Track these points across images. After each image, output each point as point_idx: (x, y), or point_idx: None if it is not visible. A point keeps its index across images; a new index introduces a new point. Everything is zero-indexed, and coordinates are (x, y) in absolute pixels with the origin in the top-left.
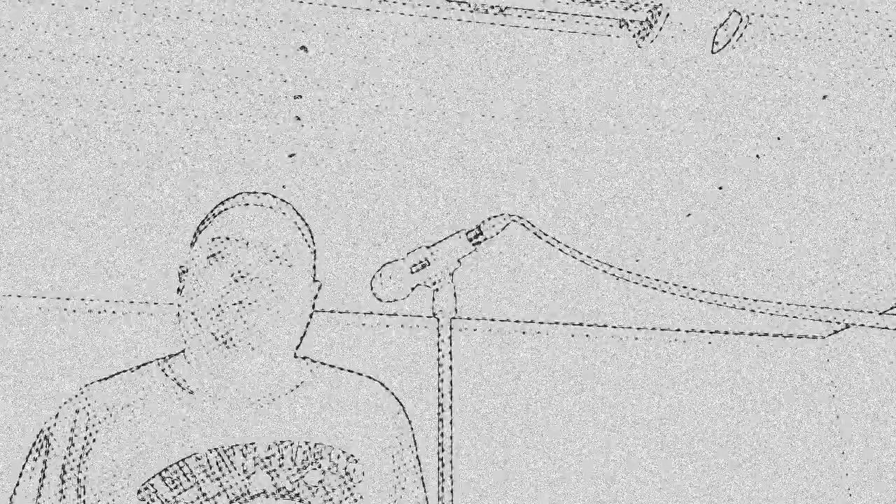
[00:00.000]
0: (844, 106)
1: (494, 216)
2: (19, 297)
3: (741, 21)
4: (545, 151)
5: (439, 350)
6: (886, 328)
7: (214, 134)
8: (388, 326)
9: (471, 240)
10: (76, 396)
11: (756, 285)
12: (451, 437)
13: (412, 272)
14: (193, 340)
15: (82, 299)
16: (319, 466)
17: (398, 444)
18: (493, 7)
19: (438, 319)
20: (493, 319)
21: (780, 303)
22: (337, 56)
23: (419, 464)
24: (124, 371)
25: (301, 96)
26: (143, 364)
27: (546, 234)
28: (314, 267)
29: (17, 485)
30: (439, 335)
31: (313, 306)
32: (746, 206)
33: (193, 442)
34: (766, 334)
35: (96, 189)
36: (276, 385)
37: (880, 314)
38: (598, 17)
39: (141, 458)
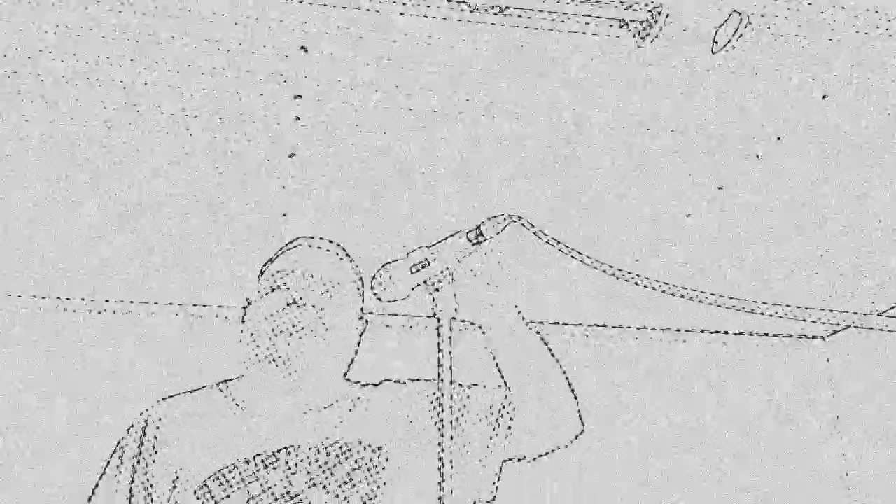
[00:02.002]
0: (844, 106)
1: (494, 216)
2: (19, 296)
3: (741, 21)
4: (545, 151)
5: (439, 350)
6: (885, 330)
7: (214, 133)
8: (388, 326)
9: (471, 240)
10: (146, 410)
11: (756, 285)
12: (451, 437)
13: (412, 272)
14: (250, 362)
15: (82, 299)
16: (348, 461)
17: (431, 407)
18: (493, 7)
19: (438, 319)
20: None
21: (777, 304)
22: (337, 56)
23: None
24: (188, 391)
25: (301, 96)
26: (204, 387)
27: (546, 234)
28: (361, 308)
29: (96, 485)
30: (439, 335)
31: (359, 343)
32: (746, 206)
33: (243, 448)
34: (766, 334)
35: (96, 189)
36: (321, 401)
37: (879, 314)
38: (598, 17)
39: (198, 464)
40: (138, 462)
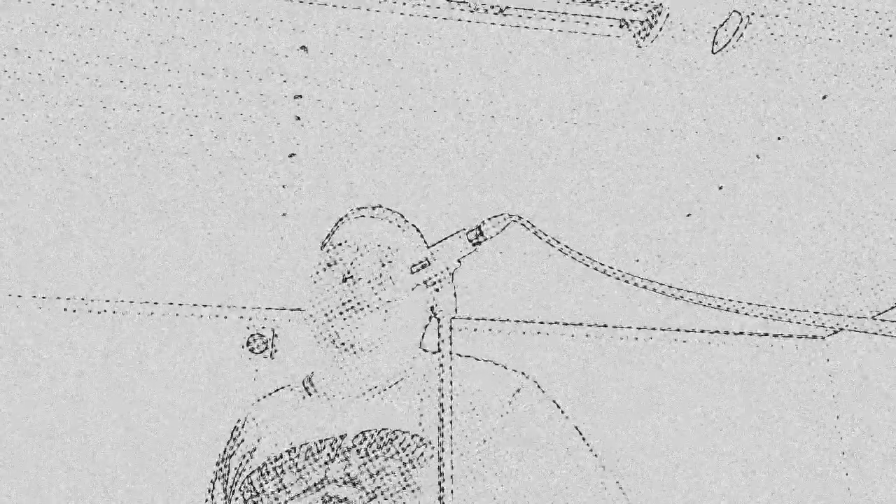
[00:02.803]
0: (844, 106)
1: (494, 216)
2: (19, 296)
3: (741, 21)
4: (545, 151)
5: (439, 350)
6: (883, 333)
7: (214, 134)
8: (432, 308)
9: (471, 240)
10: (248, 411)
11: (756, 285)
12: (451, 437)
13: (412, 272)
14: (318, 345)
15: (82, 299)
16: (386, 453)
17: (507, 424)
18: (493, 7)
19: (438, 319)
20: (493, 319)
21: (773, 307)
22: (337, 56)
23: (570, 434)
24: (280, 388)
25: (301, 96)
26: (292, 384)
27: (546, 234)
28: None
29: (208, 491)
30: (439, 335)
31: (433, 308)
32: (746, 206)
33: (296, 438)
34: (766, 334)
35: (96, 189)
36: (386, 381)
37: (879, 314)
38: (598, 17)
39: (254, 458)
40: (226, 464)
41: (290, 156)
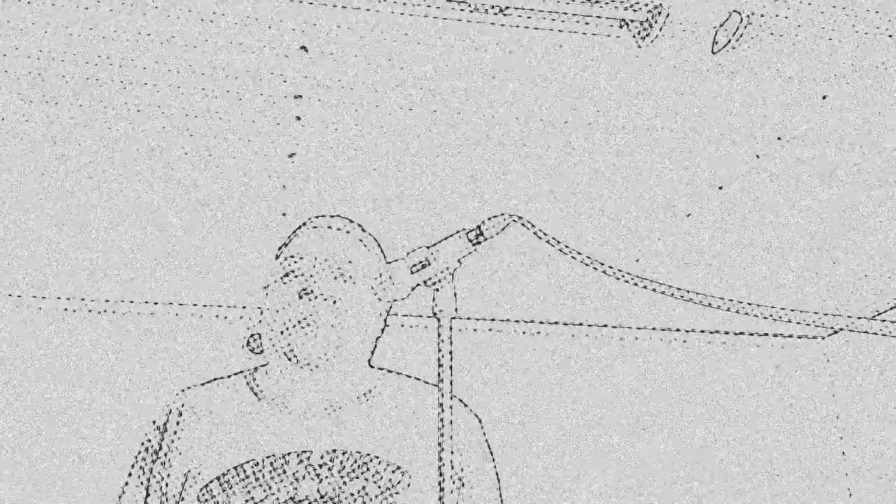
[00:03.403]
0: (844, 106)
1: (494, 216)
2: (19, 296)
3: (741, 21)
4: (545, 151)
5: (439, 350)
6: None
7: (215, 134)
8: (388, 326)
9: (471, 240)
10: (173, 401)
11: (756, 285)
12: (451, 437)
13: (412, 272)
14: (268, 353)
15: (82, 299)
16: (363, 475)
17: (467, 459)
18: (493, 7)
19: (438, 319)
20: (493, 319)
21: (773, 307)
22: (337, 56)
23: (495, 476)
24: (216, 378)
25: (301, 96)
26: (236, 373)
27: (546, 234)
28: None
29: (126, 484)
30: (439, 335)
31: (385, 321)
32: (746, 206)
33: (255, 448)
34: (766, 334)
35: (96, 189)
36: (342, 396)
37: (879, 314)
38: (598, 17)
39: (208, 462)
40: (156, 456)
41: (290, 156)
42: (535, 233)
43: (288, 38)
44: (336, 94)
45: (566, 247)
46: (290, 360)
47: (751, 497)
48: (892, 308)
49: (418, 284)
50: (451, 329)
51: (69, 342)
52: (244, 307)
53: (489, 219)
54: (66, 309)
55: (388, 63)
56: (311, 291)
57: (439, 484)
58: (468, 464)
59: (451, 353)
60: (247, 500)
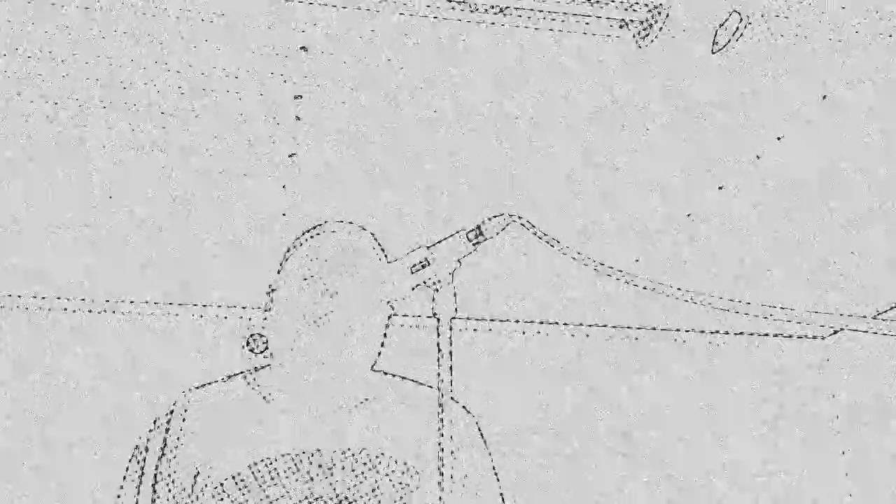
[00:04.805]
0: (844, 106)
1: (494, 216)
2: (19, 296)
3: (741, 21)
4: (545, 151)
5: (439, 350)
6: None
7: (215, 134)
8: (388, 326)
9: (471, 240)
10: (175, 401)
11: (756, 285)
12: (451, 437)
13: (412, 272)
14: (279, 354)
15: (82, 299)
16: (376, 474)
17: (467, 458)
18: (492, 7)
19: (438, 319)
20: (493, 319)
21: (773, 307)
22: (337, 56)
23: (495, 477)
24: (216, 381)
25: (301, 96)
26: (233, 375)
27: (546, 234)
28: None
29: (122, 487)
30: (439, 335)
31: (387, 327)
32: (746, 206)
33: (267, 448)
34: (767, 334)
35: (96, 189)
36: (349, 397)
37: (879, 314)
38: (598, 17)
39: (219, 462)
40: (162, 455)
41: (291, 156)
42: (534, 233)
43: (288, 38)
44: (336, 94)
45: (566, 247)
46: (304, 361)
47: (751, 497)
48: (892, 308)
49: (418, 284)
50: (450, 329)
51: (70, 342)
52: (244, 307)
53: (489, 219)
54: (66, 309)
55: (388, 63)
56: (332, 292)
57: (439, 484)
58: (468, 464)
59: (451, 353)
60: (262, 499)
